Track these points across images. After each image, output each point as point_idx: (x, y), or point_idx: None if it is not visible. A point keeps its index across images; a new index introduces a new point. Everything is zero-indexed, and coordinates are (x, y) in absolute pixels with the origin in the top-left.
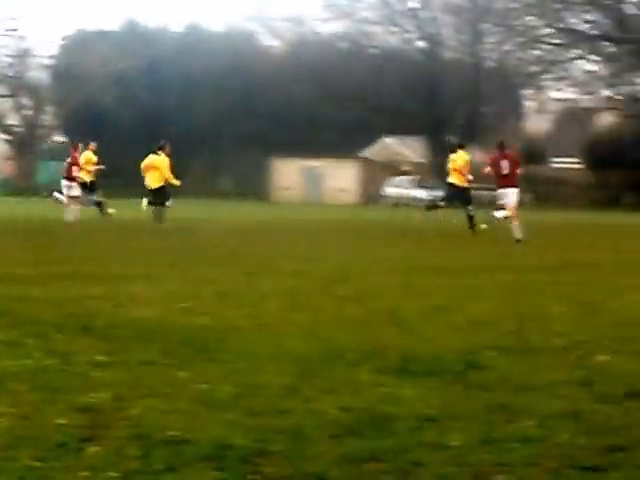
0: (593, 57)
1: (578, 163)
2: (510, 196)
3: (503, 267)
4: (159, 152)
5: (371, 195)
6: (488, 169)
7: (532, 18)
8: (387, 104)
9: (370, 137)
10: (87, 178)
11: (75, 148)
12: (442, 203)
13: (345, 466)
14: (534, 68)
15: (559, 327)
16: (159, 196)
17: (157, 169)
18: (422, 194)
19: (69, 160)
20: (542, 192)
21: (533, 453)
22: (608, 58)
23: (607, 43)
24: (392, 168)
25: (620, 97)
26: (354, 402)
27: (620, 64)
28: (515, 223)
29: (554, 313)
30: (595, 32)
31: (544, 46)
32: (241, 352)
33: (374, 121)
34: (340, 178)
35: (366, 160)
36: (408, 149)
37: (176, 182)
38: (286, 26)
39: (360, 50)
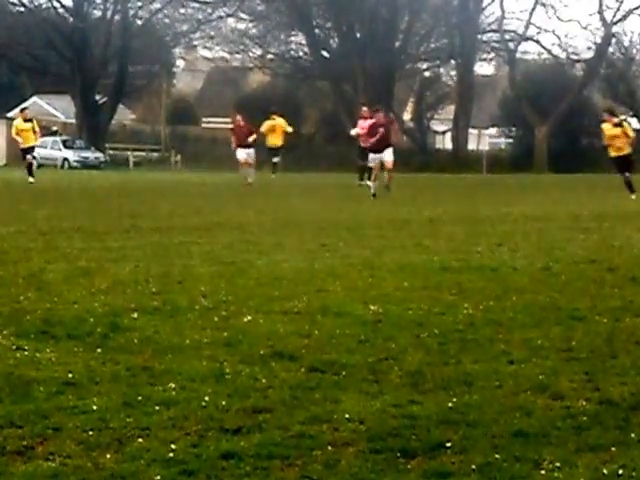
0: (243, 15)
1: (229, 122)
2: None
3: (152, 228)
4: None
5: (20, 155)
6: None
7: None
8: (33, 63)
9: (18, 97)
10: None
11: None
12: None
13: None
14: (184, 27)
15: (205, 288)
16: None
17: None
18: (69, 154)
19: None
20: (192, 152)
21: (175, 416)
22: (258, 16)
23: (257, 1)
24: (41, 128)
25: (271, 56)
26: None
27: (270, 22)
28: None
29: (200, 274)
30: None
31: (193, 4)
32: None
33: (21, 81)
34: None
35: (14, 120)
36: (57, 109)
37: None
38: None
39: (4, 7)
